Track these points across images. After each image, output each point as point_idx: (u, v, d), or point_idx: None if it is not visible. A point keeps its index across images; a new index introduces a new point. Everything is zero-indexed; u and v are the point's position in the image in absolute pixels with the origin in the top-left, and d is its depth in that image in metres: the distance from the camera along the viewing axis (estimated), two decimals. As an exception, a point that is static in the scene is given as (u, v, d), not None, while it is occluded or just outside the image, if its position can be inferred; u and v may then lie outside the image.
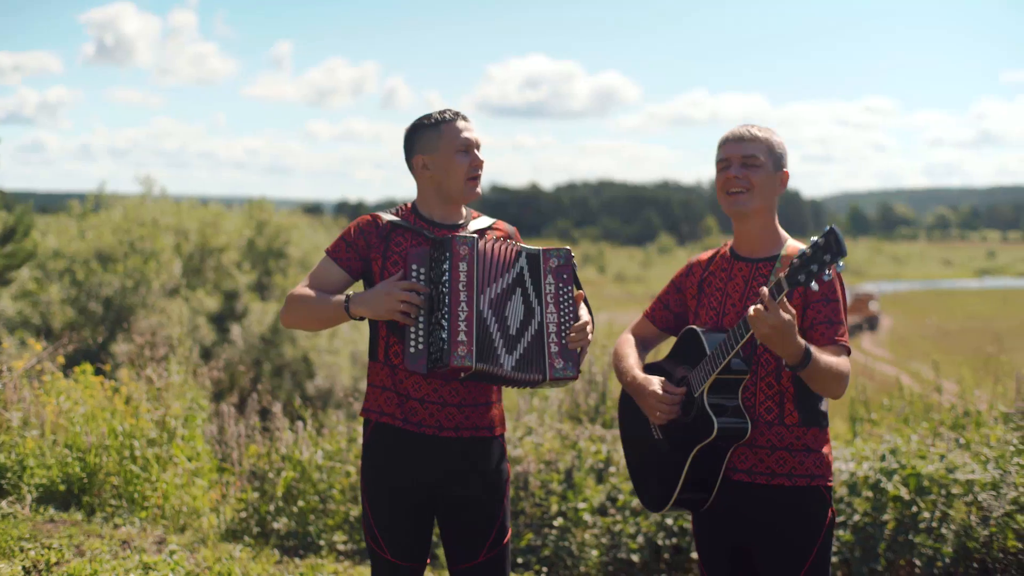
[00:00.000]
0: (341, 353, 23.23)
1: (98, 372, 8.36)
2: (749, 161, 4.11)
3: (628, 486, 7.17)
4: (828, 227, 3.63)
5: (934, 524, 6.78)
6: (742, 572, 4.21)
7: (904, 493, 6.72)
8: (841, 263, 3.60)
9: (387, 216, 4.37)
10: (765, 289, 3.74)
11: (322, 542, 6.86)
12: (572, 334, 4.09)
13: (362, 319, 4.26)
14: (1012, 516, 6.86)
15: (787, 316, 3.70)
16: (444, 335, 4.05)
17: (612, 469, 7.40)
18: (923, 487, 6.81)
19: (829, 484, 4.11)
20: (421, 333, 4.12)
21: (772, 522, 4.06)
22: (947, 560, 6.69)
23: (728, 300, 4.17)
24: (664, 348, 4.71)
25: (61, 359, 8.16)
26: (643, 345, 4.50)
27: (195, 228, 23.43)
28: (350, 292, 4.25)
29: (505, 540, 4.36)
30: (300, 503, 6.94)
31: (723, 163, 4.17)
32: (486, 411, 4.31)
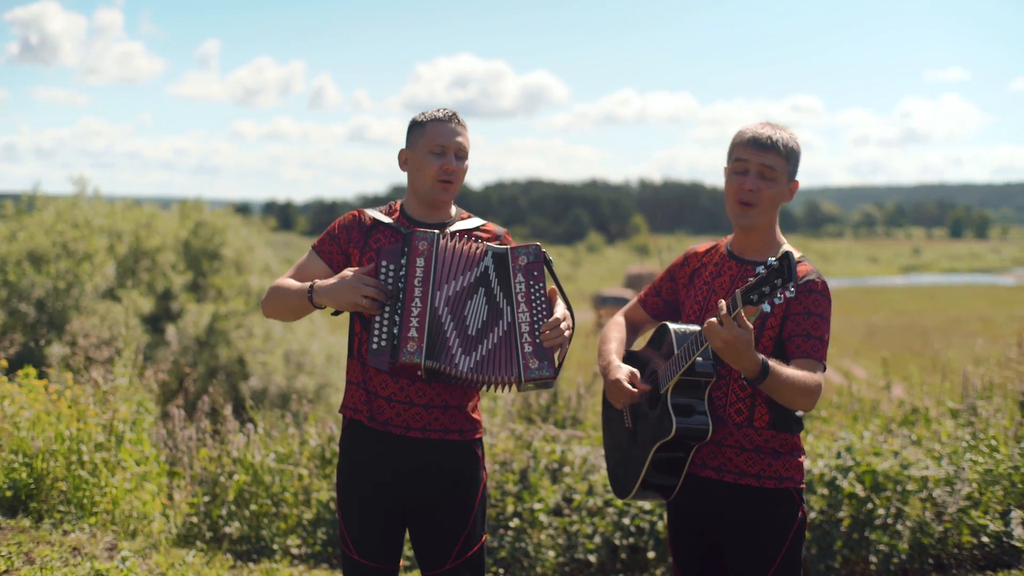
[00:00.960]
0: (275, 353, 23.08)
1: (40, 376, 8.20)
2: (767, 173, 4.04)
3: (583, 486, 7.14)
4: (783, 251, 3.57)
5: (889, 520, 6.80)
6: (712, 567, 4.20)
7: (859, 490, 6.74)
8: (792, 289, 3.54)
9: (371, 212, 4.36)
10: (723, 302, 3.71)
11: (276, 546, 6.77)
12: (546, 331, 4.01)
13: (324, 308, 4.20)
14: (966, 512, 6.92)
15: (741, 331, 3.66)
16: (396, 331, 4.00)
17: (567, 469, 7.36)
18: (878, 484, 6.84)
19: (800, 487, 4.09)
20: (385, 329, 4.06)
21: (740, 521, 4.05)
22: (903, 556, 6.73)
23: (714, 296, 4.15)
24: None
25: (4, 362, 7.99)
26: (632, 330, 4.52)
27: (129, 229, 23.19)
28: (317, 281, 4.18)
29: (475, 548, 4.29)
30: (253, 507, 6.84)
31: (739, 165, 4.09)
32: (458, 413, 4.24)
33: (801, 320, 3.96)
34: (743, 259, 4.16)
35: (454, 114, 4.34)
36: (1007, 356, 10.44)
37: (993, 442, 7.54)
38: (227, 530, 6.78)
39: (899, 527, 6.81)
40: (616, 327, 4.48)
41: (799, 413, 4.10)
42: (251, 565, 6.52)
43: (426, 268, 4.03)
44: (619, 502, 6.91)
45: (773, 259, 3.57)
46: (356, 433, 4.31)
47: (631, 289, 57.44)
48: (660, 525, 6.81)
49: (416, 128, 4.34)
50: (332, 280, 4.13)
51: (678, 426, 3.94)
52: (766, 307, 3.58)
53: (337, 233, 4.35)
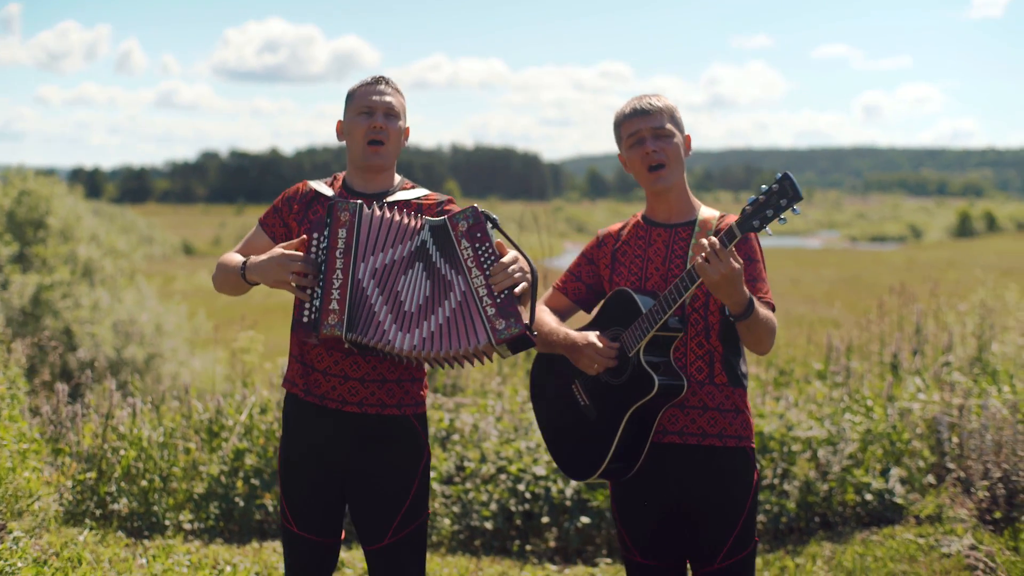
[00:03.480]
0: (103, 324, 22.50)
1: None
2: (660, 132, 4.13)
3: (475, 454, 7.14)
4: (782, 173, 3.67)
5: (776, 481, 6.96)
6: (668, 536, 4.20)
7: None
8: (797, 207, 3.65)
9: (313, 183, 4.30)
10: (713, 238, 3.75)
11: (167, 522, 6.61)
12: (495, 277, 3.88)
13: (257, 284, 4.14)
14: (849, 471, 7.12)
15: (736, 264, 3.73)
16: (317, 302, 3.94)
17: (455, 437, 7.35)
18: (765, 446, 6.99)
19: (752, 446, 4.17)
20: (316, 302, 3.98)
21: (704, 482, 4.08)
22: (791, 515, 6.88)
23: (650, 264, 4.17)
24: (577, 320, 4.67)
25: None
26: (555, 317, 4.45)
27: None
28: (252, 258, 4.12)
29: (414, 525, 4.25)
30: (143, 483, 6.67)
31: (634, 138, 4.16)
32: (396, 388, 4.18)
33: (746, 267, 4.03)
34: (669, 224, 4.21)
35: (382, 77, 4.32)
36: (867, 319, 10.74)
37: (869, 403, 7.78)
38: (115, 507, 6.60)
39: (786, 487, 6.98)
40: (544, 312, 4.43)
41: (744, 369, 4.18)
42: (145, 542, 6.36)
43: (348, 239, 3.95)
44: (512, 468, 6.93)
45: (768, 184, 3.69)
46: (294, 407, 4.28)
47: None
48: (554, 491, 6.85)
49: (348, 98, 4.32)
50: (263, 257, 4.07)
51: (660, 383, 3.94)
52: (768, 231, 3.70)
53: (280, 206, 4.32)
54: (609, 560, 6.65)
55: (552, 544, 6.84)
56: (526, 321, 3.88)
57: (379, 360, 4.13)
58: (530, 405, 7.64)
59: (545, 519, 6.82)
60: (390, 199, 4.22)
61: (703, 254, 3.74)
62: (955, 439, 7.59)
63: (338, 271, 3.93)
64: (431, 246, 4.01)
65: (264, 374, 8.98)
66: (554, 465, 6.94)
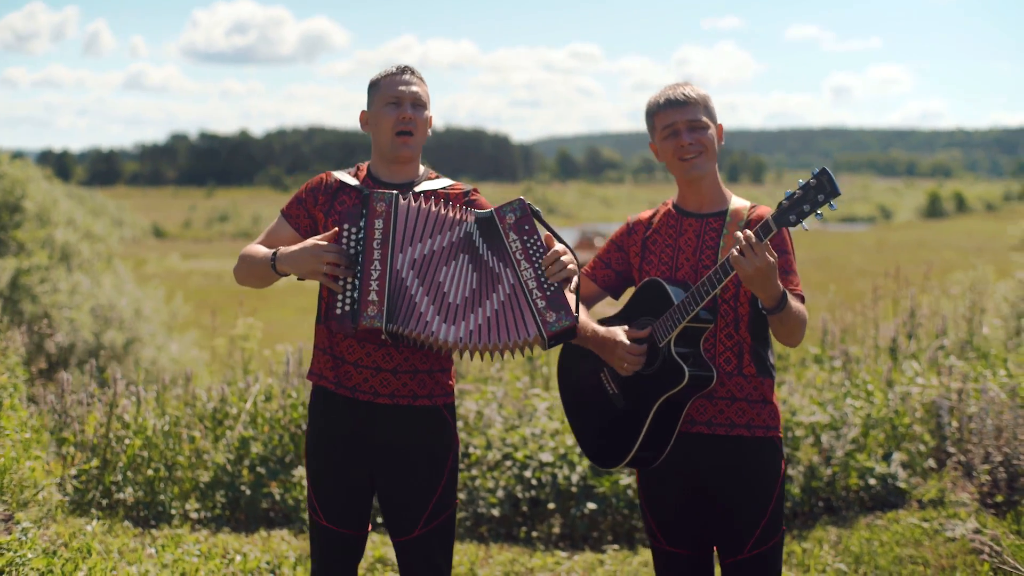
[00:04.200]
0: (82, 308, 22.39)
1: None
2: (695, 125, 4.13)
3: (480, 440, 7.14)
4: (819, 168, 3.67)
5: (781, 466, 6.98)
6: (694, 524, 4.23)
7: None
8: (834, 203, 3.65)
9: (337, 174, 4.28)
10: (749, 232, 3.76)
11: (173, 511, 6.59)
12: (549, 267, 3.87)
13: (287, 275, 4.13)
14: (852, 455, 7.15)
15: (771, 258, 3.74)
16: (356, 294, 3.92)
17: (460, 424, 7.35)
18: (769, 431, 7.01)
19: (779, 436, 4.19)
20: (348, 293, 3.97)
21: (732, 472, 4.10)
22: (796, 500, 6.91)
23: (681, 255, 4.18)
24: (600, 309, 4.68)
25: None
26: (583, 304, 4.45)
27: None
28: (281, 249, 4.10)
29: (444, 515, 4.25)
30: (149, 472, 6.65)
31: (668, 130, 4.16)
32: (428, 379, 4.17)
33: (777, 259, 4.01)
34: (700, 214, 4.22)
35: (407, 67, 4.29)
36: (862, 303, 10.79)
37: (870, 387, 7.82)
38: (121, 496, 6.57)
39: (791, 472, 7.00)
40: None
41: (772, 360, 4.20)
42: (153, 532, 6.34)
43: (384, 230, 3.93)
44: (518, 455, 6.93)
45: (807, 180, 3.68)
46: (323, 399, 4.26)
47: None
48: (561, 477, 6.86)
49: (372, 88, 4.29)
50: (295, 248, 4.06)
51: (690, 373, 3.96)
52: (804, 226, 3.70)
53: (304, 197, 4.28)
54: (616, 546, 6.67)
55: (557, 530, 6.85)
56: (575, 313, 3.87)
57: (411, 351, 4.12)
58: (531, 391, 7.65)
59: (551, 505, 6.83)
60: (417, 189, 4.20)
61: (738, 247, 3.75)
62: (954, 423, 7.64)
63: (376, 262, 3.91)
64: (477, 238, 3.99)
65: (264, 361, 8.95)
66: (560, 451, 6.95)
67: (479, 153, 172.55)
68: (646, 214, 4.40)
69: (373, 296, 3.89)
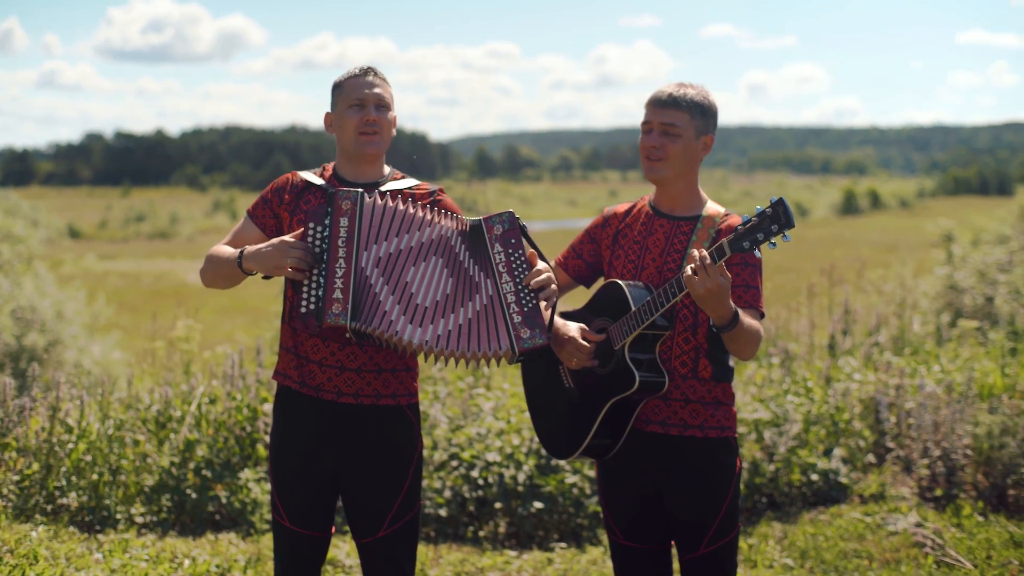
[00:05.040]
0: (3, 311, 22.09)
1: None
2: (669, 130, 4.14)
3: (427, 441, 7.14)
4: (776, 199, 3.70)
5: (724, 463, 7.06)
6: (651, 520, 4.28)
7: (699, 435, 6.97)
8: (787, 235, 3.69)
9: (303, 174, 4.29)
10: (704, 251, 3.78)
11: (119, 515, 6.52)
12: (532, 283, 3.91)
13: (254, 274, 4.13)
14: (794, 451, 7.24)
15: (723, 280, 3.77)
16: (320, 292, 3.92)
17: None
18: (713, 428, 7.08)
19: (735, 436, 4.27)
20: (313, 291, 3.97)
21: (685, 471, 4.16)
22: (741, 496, 6.98)
23: (648, 254, 4.22)
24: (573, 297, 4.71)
25: None
26: None
27: None
28: (247, 248, 4.10)
29: (408, 516, 4.26)
30: (93, 476, 6.57)
31: (645, 126, 4.21)
32: (391, 378, 4.19)
33: (739, 271, 4.08)
34: (672, 216, 4.24)
35: (370, 68, 4.30)
36: (796, 301, 10.92)
37: (810, 384, 7.92)
38: (64, 501, 6.49)
39: (734, 468, 7.07)
40: None
41: (731, 363, 4.25)
42: (100, 537, 6.27)
43: (350, 228, 3.94)
44: (464, 455, 6.94)
45: (764, 207, 3.70)
46: (287, 399, 4.26)
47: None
48: (507, 476, 6.87)
49: (336, 89, 4.31)
50: (261, 245, 4.06)
51: (641, 379, 3.99)
52: (757, 252, 3.75)
53: (269, 197, 4.29)
54: (563, 545, 6.70)
55: (504, 530, 6.87)
56: (549, 332, 3.92)
57: (376, 350, 4.14)
58: (476, 391, 7.67)
59: (498, 504, 6.85)
60: (383, 188, 4.22)
61: (692, 266, 3.78)
62: (892, 418, 7.76)
63: (341, 260, 3.91)
64: (458, 244, 4.01)
65: (204, 363, 8.89)
66: (507, 451, 6.98)
67: (396, 151, 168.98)
68: (623, 207, 4.43)
69: (338, 294, 3.89)
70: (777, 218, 3.68)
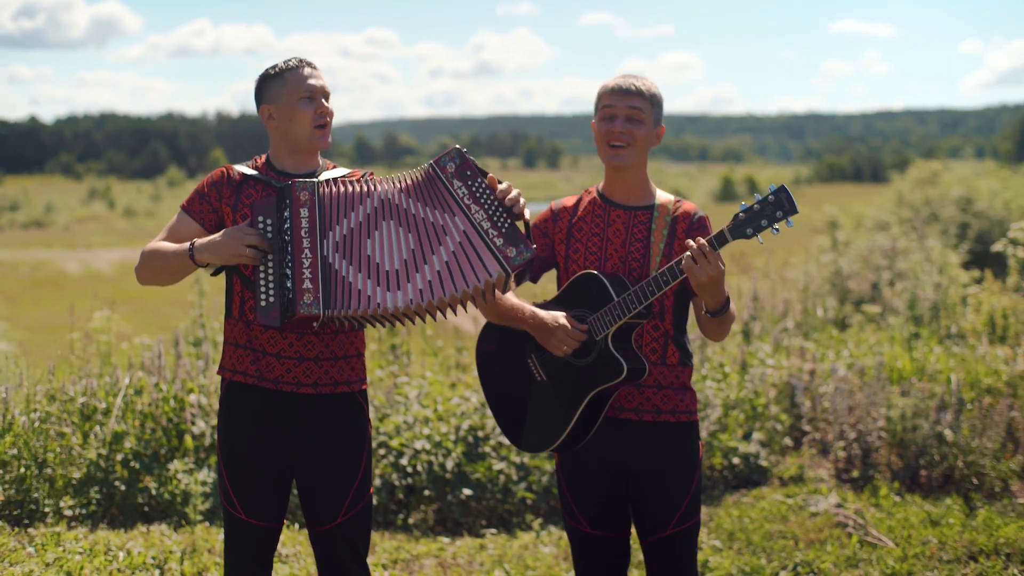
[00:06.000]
0: None
1: None
2: (634, 115, 4.22)
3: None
4: (778, 186, 3.81)
5: (647, 447, 7.17)
6: (616, 507, 4.35)
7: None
8: (791, 220, 3.81)
9: (239, 168, 4.26)
10: (703, 240, 3.88)
11: (47, 508, 6.44)
12: (507, 201, 3.92)
13: (207, 266, 4.10)
14: (715, 435, 7.38)
15: (722, 267, 3.91)
16: (289, 284, 3.94)
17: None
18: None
19: (697, 419, 4.37)
20: (272, 285, 3.99)
21: (658, 455, 4.24)
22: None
23: (610, 245, 4.27)
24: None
25: None
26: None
27: None
28: (197, 240, 4.08)
29: (365, 499, 4.30)
30: (20, 469, 6.48)
31: (607, 112, 4.26)
32: (345, 365, 4.23)
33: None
34: (627, 206, 4.31)
35: (303, 60, 4.27)
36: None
37: (727, 369, 8.07)
38: (-11, 496, 6.40)
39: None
40: None
41: (689, 347, 4.36)
42: (31, 531, 6.19)
43: (311, 218, 3.96)
44: (393, 443, 6.97)
45: (764, 195, 3.81)
46: (238, 394, 4.25)
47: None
48: (436, 465, 6.92)
49: (274, 80, 4.25)
50: (213, 236, 4.05)
51: (629, 368, 4.05)
52: (759, 239, 3.85)
53: (207, 191, 4.25)
54: (494, 531, 6.77)
55: (432, 517, 6.92)
56: (533, 244, 3.94)
57: (332, 337, 4.18)
58: (400, 380, 7.69)
59: (428, 492, 6.90)
60: (324, 176, 4.23)
61: (692, 254, 3.87)
62: (807, 403, 7.94)
63: (306, 250, 3.94)
64: (404, 201, 4.00)
65: (122, 355, 8.78)
66: (436, 439, 7.02)
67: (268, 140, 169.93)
68: (570, 200, 4.47)
69: (307, 284, 3.91)
70: (781, 204, 3.80)
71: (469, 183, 3.96)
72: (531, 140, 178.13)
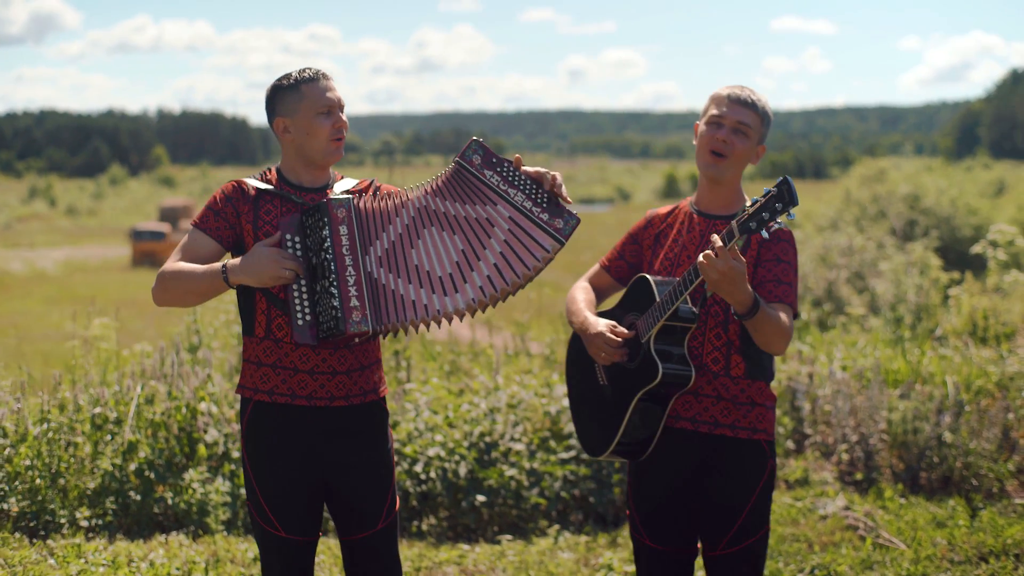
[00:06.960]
0: None
1: None
2: (741, 128, 4.21)
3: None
4: (782, 177, 3.76)
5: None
6: (677, 520, 4.34)
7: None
8: (792, 212, 3.75)
9: (253, 182, 4.20)
10: (716, 236, 3.84)
11: (63, 519, 6.41)
12: (546, 184, 3.94)
13: (236, 287, 4.10)
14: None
15: (736, 263, 3.80)
16: (336, 303, 3.92)
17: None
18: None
19: (770, 439, 4.28)
20: (307, 303, 4.00)
21: (712, 470, 4.22)
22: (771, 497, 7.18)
23: (684, 252, 4.28)
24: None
25: None
26: (598, 294, 4.59)
27: None
28: (226, 261, 4.05)
29: (398, 503, 4.40)
30: (37, 480, 6.45)
31: (715, 118, 4.24)
32: (371, 373, 4.25)
33: (772, 267, 4.14)
34: (709, 215, 4.31)
35: (320, 72, 4.21)
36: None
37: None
38: (4, 507, 6.36)
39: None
40: (582, 290, 4.56)
41: (769, 363, 4.30)
42: (49, 542, 6.16)
43: (350, 235, 3.96)
44: (408, 450, 7.00)
45: (770, 187, 3.77)
46: (267, 414, 4.21)
47: (167, 223, 54.78)
48: (449, 471, 6.95)
49: (289, 93, 4.18)
50: (247, 258, 4.00)
51: (664, 371, 4.05)
52: (764, 234, 3.75)
53: (221, 207, 4.18)
54: (510, 537, 6.81)
55: (446, 524, 6.95)
56: (574, 212, 3.97)
57: (362, 349, 4.19)
58: (408, 386, 7.73)
59: (441, 498, 6.93)
60: (339, 188, 4.22)
61: (704, 252, 3.84)
62: (808, 406, 8.03)
63: (349, 268, 3.93)
64: (438, 203, 4.01)
65: (123, 362, 8.72)
66: (450, 445, 7.05)
67: (217, 137, 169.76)
68: (664, 209, 4.49)
69: (355, 302, 3.91)
70: (781, 197, 3.72)
71: (498, 169, 3.99)
72: (475, 135, 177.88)
